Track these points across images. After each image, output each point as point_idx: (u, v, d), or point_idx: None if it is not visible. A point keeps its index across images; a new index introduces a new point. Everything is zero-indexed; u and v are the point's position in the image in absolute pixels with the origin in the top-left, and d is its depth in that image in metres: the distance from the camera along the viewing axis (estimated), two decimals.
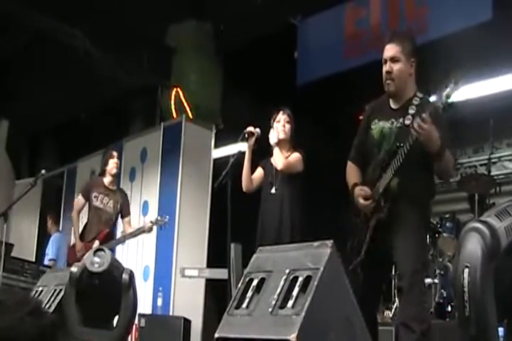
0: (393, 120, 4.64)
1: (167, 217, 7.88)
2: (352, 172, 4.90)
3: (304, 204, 6.20)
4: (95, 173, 8.88)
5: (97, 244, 7.72)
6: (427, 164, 4.47)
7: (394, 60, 4.60)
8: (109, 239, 7.90)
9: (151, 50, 10.56)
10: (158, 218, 7.82)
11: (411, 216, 4.52)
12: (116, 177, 8.29)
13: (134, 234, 7.85)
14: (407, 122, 4.52)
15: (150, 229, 7.80)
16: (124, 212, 8.07)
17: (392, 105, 4.72)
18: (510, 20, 7.44)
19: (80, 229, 8.12)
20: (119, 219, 8.09)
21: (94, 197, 8.03)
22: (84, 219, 8.22)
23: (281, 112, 6.32)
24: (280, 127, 6.25)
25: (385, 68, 4.64)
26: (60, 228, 11.67)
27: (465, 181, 9.05)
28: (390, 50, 4.63)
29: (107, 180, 8.11)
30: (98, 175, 8.39)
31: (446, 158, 4.36)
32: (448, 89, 4.21)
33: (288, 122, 6.28)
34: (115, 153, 8.19)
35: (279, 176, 6.18)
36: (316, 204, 6.57)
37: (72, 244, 8.32)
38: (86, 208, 8.23)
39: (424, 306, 4.77)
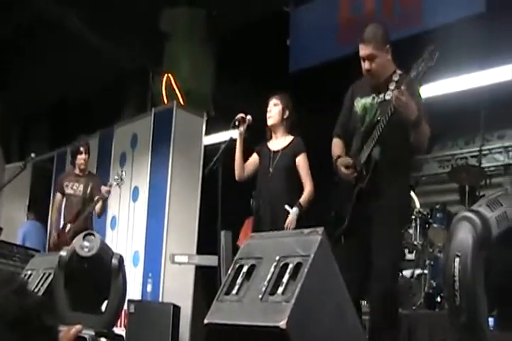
0: (374, 95, 4.84)
1: (123, 173, 8.17)
2: (336, 146, 5.07)
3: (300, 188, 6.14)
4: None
5: (69, 227, 7.96)
6: (406, 137, 4.61)
7: (370, 57, 4.75)
8: (79, 217, 8.01)
9: (143, 35, 10.52)
10: (115, 178, 8.14)
11: (391, 188, 4.66)
12: (85, 170, 8.38)
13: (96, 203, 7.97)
14: (388, 97, 4.72)
15: (108, 193, 7.94)
16: (94, 193, 8.12)
17: (373, 83, 4.88)
18: (502, 13, 7.45)
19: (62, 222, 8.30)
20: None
21: (66, 186, 8.25)
22: None
23: (269, 99, 6.26)
24: (268, 114, 6.21)
25: (364, 66, 4.80)
26: (50, 212, 11.68)
27: (456, 172, 9.06)
28: (364, 49, 4.77)
29: (76, 170, 8.29)
30: (70, 168, 8.56)
31: (423, 128, 4.53)
32: (423, 63, 4.40)
33: (275, 104, 6.17)
34: (82, 149, 8.23)
35: (276, 159, 6.11)
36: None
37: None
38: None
39: (397, 309, 4.85)
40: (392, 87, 4.71)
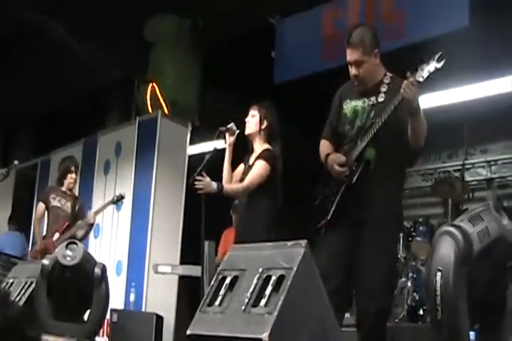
0: (365, 99, 4.73)
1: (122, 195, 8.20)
2: (325, 147, 4.95)
3: (273, 205, 5.97)
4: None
5: (57, 236, 7.92)
6: (402, 142, 4.53)
7: (357, 63, 4.65)
8: (68, 229, 8.01)
9: (129, 44, 10.53)
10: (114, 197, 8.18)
11: (384, 191, 4.59)
12: (73, 190, 8.42)
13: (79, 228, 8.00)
14: (381, 99, 4.64)
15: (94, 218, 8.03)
16: (79, 216, 8.17)
17: (362, 87, 4.77)
18: (486, 28, 7.49)
19: (44, 232, 8.25)
20: None
21: (53, 198, 8.20)
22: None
23: (249, 109, 6.14)
24: (246, 124, 6.12)
25: (351, 71, 4.71)
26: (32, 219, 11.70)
27: (438, 186, 9.12)
28: (352, 54, 4.65)
29: (63, 188, 8.28)
30: (56, 184, 8.48)
31: (421, 118, 4.45)
32: (429, 66, 4.34)
33: (253, 116, 6.04)
34: (73, 168, 8.27)
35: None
36: (289, 207, 6.49)
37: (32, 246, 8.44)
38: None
39: (385, 326, 4.75)
40: (384, 89, 4.64)
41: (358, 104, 4.75)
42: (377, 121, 4.55)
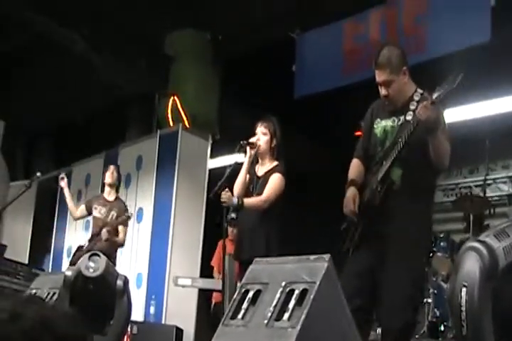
0: (395, 118, 4.73)
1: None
2: (355, 168, 4.93)
3: (284, 217, 6.03)
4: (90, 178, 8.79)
5: (86, 245, 8.01)
6: (427, 160, 4.51)
7: (386, 83, 4.64)
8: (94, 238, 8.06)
9: (150, 57, 10.60)
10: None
11: (410, 209, 4.55)
12: (115, 186, 8.36)
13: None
14: (409, 118, 4.62)
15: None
16: (115, 219, 8.15)
17: (393, 106, 4.77)
18: (508, 43, 7.49)
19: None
20: None
21: (95, 208, 8.25)
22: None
23: (258, 125, 6.18)
24: (256, 141, 6.10)
25: (381, 92, 4.70)
26: (54, 231, 11.76)
27: (460, 201, 9.09)
28: (380, 75, 4.65)
29: (105, 192, 8.35)
30: (101, 192, 8.64)
31: (440, 138, 4.43)
32: (446, 86, 4.31)
33: (264, 134, 6.09)
34: (112, 166, 8.43)
35: (258, 185, 6.07)
36: (308, 218, 6.50)
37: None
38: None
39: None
40: (413, 106, 4.61)
41: (388, 123, 4.75)
42: (399, 141, 4.55)
